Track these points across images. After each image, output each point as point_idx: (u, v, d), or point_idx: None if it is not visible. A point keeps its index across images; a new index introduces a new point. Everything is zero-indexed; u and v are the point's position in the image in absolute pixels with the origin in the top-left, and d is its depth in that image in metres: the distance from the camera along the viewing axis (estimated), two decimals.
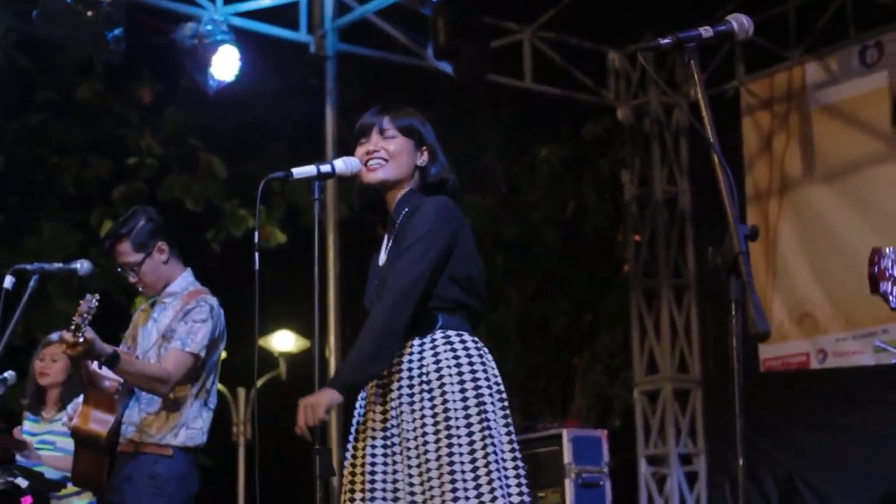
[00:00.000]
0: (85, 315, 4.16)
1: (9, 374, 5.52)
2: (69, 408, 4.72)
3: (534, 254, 10.53)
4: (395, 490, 3.32)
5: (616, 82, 9.65)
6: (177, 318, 4.56)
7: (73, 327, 4.16)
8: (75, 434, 4.59)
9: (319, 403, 3.25)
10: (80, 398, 4.62)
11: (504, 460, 3.32)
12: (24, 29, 8.08)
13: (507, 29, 9.10)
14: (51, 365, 5.57)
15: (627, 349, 9.74)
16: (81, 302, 4.19)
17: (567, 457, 6.35)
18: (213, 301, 4.63)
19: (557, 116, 10.23)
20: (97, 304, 4.20)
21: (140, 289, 4.71)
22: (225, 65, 7.45)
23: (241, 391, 11.95)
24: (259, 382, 12.17)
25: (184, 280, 4.70)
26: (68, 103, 9.58)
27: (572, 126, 10.10)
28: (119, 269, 4.69)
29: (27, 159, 9.51)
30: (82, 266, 4.68)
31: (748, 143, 8.82)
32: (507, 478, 3.31)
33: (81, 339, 4.16)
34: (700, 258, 9.33)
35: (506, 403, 3.39)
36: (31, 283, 4.58)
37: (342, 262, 8.10)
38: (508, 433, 3.36)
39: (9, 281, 4.57)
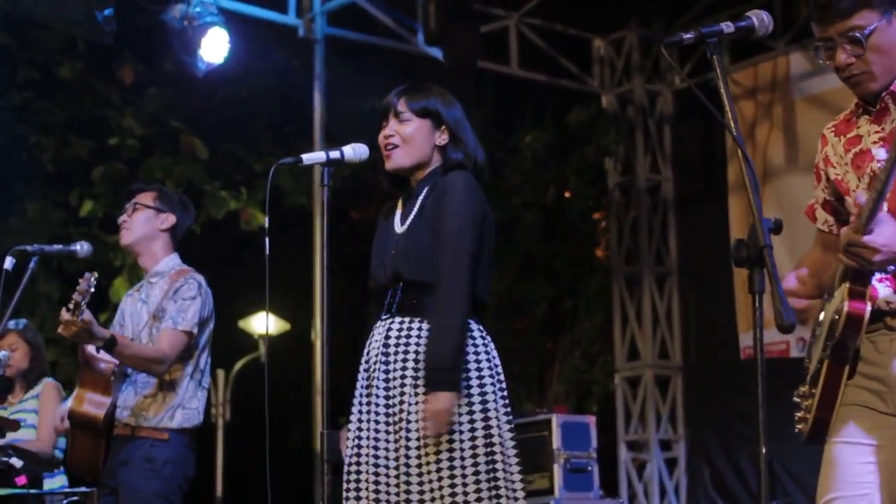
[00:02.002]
0: (85, 294, 4.15)
1: (2, 353, 5.51)
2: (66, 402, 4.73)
3: (515, 238, 10.55)
4: (397, 468, 3.35)
5: (601, 70, 9.69)
6: (166, 298, 4.60)
7: (72, 305, 4.15)
8: (71, 417, 4.59)
9: (449, 409, 3.28)
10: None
11: (505, 447, 3.37)
12: (5, 7, 8.00)
13: (494, 15, 9.12)
14: (11, 355, 5.59)
15: (608, 335, 9.80)
16: (80, 280, 4.18)
17: (556, 442, 6.39)
18: (200, 278, 4.69)
19: (542, 102, 10.25)
20: (96, 282, 4.20)
21: (122, 235, 4.75)
22: (214, 47, 7.43)
23: (221, 373, 11.96)
24: (238, 364, 12.18)
25: (170, 261, 4.76)
26: (50, 82, 9.51)
27: (557, 112, 10.12)
28: (122, 214, 4.76)
29: (9, 138, 9.44)
30: (82, 248, 4.68)
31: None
32: (509, 465, 3.37)
33: (80, 320, 4.16)
34: (682, 245, 9.39)
35: (506, 393, 3.45)
36: (31, 265, 4.58)
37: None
38: (508, 421, 3.42)
39: (9, 262, 4.55)
